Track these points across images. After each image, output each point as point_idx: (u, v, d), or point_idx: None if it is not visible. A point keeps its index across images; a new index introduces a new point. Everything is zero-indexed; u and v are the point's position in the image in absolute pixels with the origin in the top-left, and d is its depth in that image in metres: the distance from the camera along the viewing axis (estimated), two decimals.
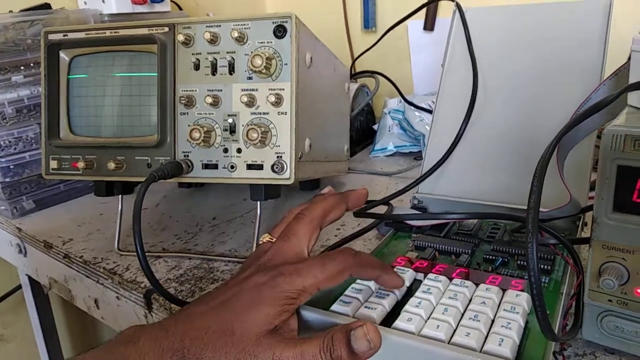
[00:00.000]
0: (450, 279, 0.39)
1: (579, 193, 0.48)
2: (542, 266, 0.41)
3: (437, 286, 0.38)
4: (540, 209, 0.30)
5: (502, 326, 0.33)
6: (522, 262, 0.42)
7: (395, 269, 0.40)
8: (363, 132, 0.99)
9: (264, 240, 0.40)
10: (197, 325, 0.31)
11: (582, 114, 0.32)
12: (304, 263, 0.34)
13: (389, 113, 0.94)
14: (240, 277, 0.35)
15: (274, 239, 0.39)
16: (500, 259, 0.44)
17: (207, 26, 0.50)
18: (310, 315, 0.35)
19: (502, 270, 0.42)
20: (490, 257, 0.44)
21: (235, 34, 0.48)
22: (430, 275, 0.39)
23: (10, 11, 0.78)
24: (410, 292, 0.38)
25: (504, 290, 0.37)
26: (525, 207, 0.30)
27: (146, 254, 0.45)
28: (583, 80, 0.53)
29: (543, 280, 0.40)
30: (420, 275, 0.41)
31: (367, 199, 0.43)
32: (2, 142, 0.72)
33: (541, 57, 0.57)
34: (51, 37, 0.55)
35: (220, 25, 0.50)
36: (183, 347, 0.30)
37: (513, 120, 0.57)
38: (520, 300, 0.35)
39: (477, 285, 0.38)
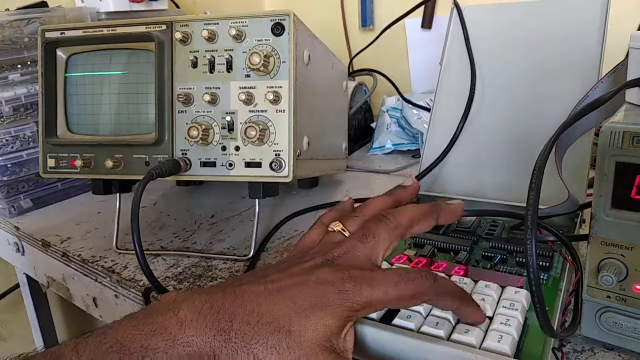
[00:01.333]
0: (450, 277, 0.39)
1: (578, 190, 0.48)
2: (541, 263, 0.41)
3: None
4: (539, 207, 0.30)
5: (501, 323, 0.33)
6: (521, 259, 0.43)
7: (394, 266, 0.40)
8: (361, 130, 0.99)
9: (336, 229, 0.36)
10: (249, 308, 0.28)
11: (580, 111, 0.32)
12: (377, 273, 0.30)
13: (387, 111, 0.94)
14: (305, 265, 0.32)
15: (348, 234, 0.35)
16: (499, 256, 0.44)
17: (205, 24, 0.50)
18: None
19: (501, 268, 0.42)
20: (489, 254, 0.44)
21: (234, 32, 0.48)
22: None
23: (7, 9, 0.78)
24: None
25: (503, 287, 0.37)
26: (524, 205, 0.30)
27: (145, 252, 0.45)
28: (581, 77, 0.53)
29: (542, 277, 0.40)
30: None
31: (462, 214, 0.38)
32: None
33: (539, 54, 0.57)
34: (48, 35, 0.55)
35: (218, 23, 0.50)
36: (230, 330, 0.27)
37: (511, 118, 0.57)
38: (519, 297, 0.36)
39: (476, 282, 0.38)
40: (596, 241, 0.33)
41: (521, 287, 0.37)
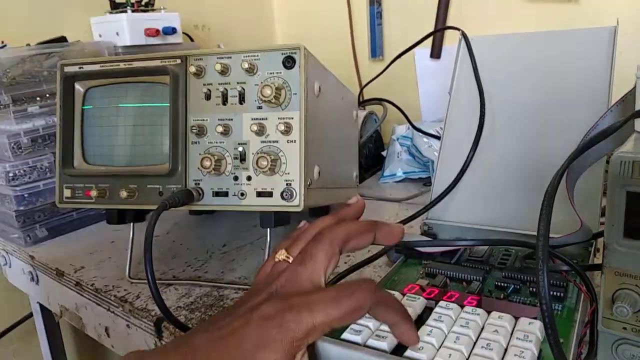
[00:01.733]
0: (462, 307, 0.39)
1: (591, 218, 0.48)
2: (554, 293, 0.41)
3: (449, 314, 0.37)
4: (552, 235, 0.30)
5: (515, 355, 0.32)
6: (534, 289, 0.42)
7: (406, 297, 0.40)
8: (372, 158, 1.00)
9: (280, 259, 0.37)
10: (200, 357, 0.29)
11: (589, 140, 0.33)
12: (317, 295, 0.31)
13: (398, 139, 0.95)
14: (249, 304, 0.33)
15: (291, 259, 0.36)
16: (512, 286, 0.43)
17: (218, 58, 0.51)
18: (320, 343, 0.35)
19: (515, 297, 0.42)
20: (502, 284, 0.44)
21: (246, 65, 0.49)
22: (442, 303, 0.39)
23: (28, 44, 0.80)
24: (421, 320, 0.38)
25: (516, 318, 0.37)
26: (536, 233, 0.30)
27: (157, 281, 0.45)
28: (590, 107, 0.53)
29: (556, 307, 0.40)
30: (431, 303, 0.41)
31: (400, 240, 0.38)
32: (17, 172, 0.73)
33: (547, 84, 0.58)
34: (67, 69, 0.57)
35: (230, 57, 0.51)
36: None
37: (521, 147, 0.57)
38: (533, 328, 0.35)
39: (489, 313, 0.38)
40: (609, 271, 0.33)
41: (535, 318, 0.37)
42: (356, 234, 0.36)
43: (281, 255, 0.37)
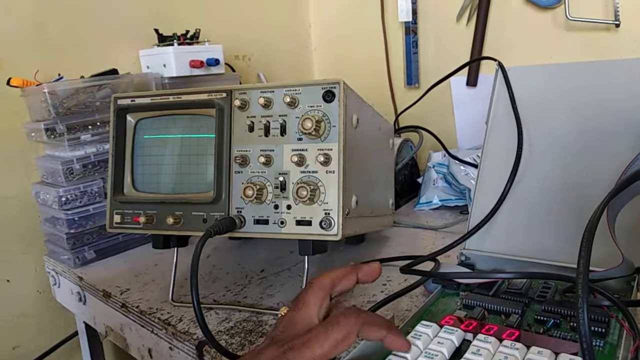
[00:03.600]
0: (501, 340, 0.39)
1: (634, 251, 0.47)
2: (595, 329, 0.40)
3: (487, 347, 0.37)
4: (592, 269, 0.30)
5: None
6: (575, 324, 0.42)
7: (443, 329, 0.41)
8: (408, 186, 1.00)
9: (282, 314, 0.42)
10: None
11: (629, 177, 0.33)
12: (311, 333, 0.35)
13: (434, 167, 0.95)
14: (255, 350, 0.36)
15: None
16: (552, 320, 0.43)
17: (261, 92, 0.54)
18: None
19: (554, 332, 0.42)
20: (542, 317, 0.43)
21: (287, 99, 0.52)
22: (480, 336, 0.39)
23: (82, 76, 0.86)
24: (459, 353, 0.38)
25: (556, 354, 0.37)
26: (576, 266, 0.30)
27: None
28: (630, 138, 0.52)
29: (597, 344, 0.39)
30: (469, 336, 0.41)
31: (379, 275, 0.43)
32: (69, 196, 0.78)
33: (586, 115, 0.57)
34: (120, 102, 0.60)
35: (273, 91, 0.53)
36: None
37: (560, 177, 0.57)
38: None
39: (528, 347, 0.38)
40: None
41: (575, 354, 0.36)
42: (340, 278, 0.41)
43: (283, 310, 0.44)
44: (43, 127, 0.77)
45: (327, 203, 0.51)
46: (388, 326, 0.37)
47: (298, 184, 0.51)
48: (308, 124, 0.50)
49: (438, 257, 0.58)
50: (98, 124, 0.82)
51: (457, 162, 0.91)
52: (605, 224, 0.42)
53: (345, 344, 0.35)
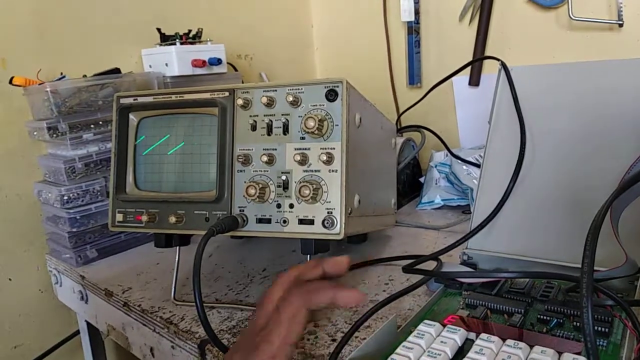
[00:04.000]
0: (504, 340, 0.39)
1: (637, 252, 0.47)
2: (599, 328, 0.40)
3: (490, 347, 0.37)
4: (596, 268, 0.30)
5: None
6: (578, 324, 0.42)
7: (446, 328, 0.40)
8: (409, 185, 1.00)
9: None
10: None
11: (632, 177, 0.33)
12: (269, 327, 0.36)
13: (436, 166, 0.95)
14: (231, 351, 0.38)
15: None
16: (555, 320, 0.43)
17: (264, 91, 0.54)
18: None
19: (558, 332, 0.41)
20: (545, 317, 0.43)
21: (290, 98, 0.52)
22: (483, 335, 0.39)
23: (84, 75, 0.86)
24: (462, 353, 0.38)
25: (559, 353, 0.37)
26: (579, 266, 0.30)
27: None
28: (633, 138, 0.52)
29: (601, 343, 0.39)
30: (472, 335, 0.41)
31: (348, 267, 0.42)
32: (71, 195, 0.78)
33: (589, 114, 0.57)
34: (122, 101, 0.60)
35: (276, 90, 0.53)
36: None
37: (562, 177, 0.56)
38: None
39: (531, 347, 0.38)
40: None
41: (579, 354, 0.36)
42: (305, 270, 0.41)
43: None
44: (45, 126, 0.77)
45: (329, 202, 0.51)
46: (333, 287, 0.37)
47: (301, 182, 0.51)
48: (311, 123, 0.50)
49: (440, 257, 0.58)
50: (100, 122, 0.82)
51: (459, 161, 0.91)
52: (609, 224, 0.41)
53: (298, 322, 0.35)
